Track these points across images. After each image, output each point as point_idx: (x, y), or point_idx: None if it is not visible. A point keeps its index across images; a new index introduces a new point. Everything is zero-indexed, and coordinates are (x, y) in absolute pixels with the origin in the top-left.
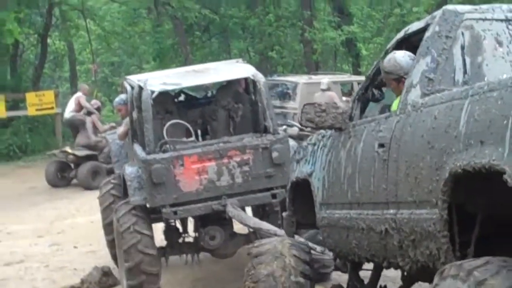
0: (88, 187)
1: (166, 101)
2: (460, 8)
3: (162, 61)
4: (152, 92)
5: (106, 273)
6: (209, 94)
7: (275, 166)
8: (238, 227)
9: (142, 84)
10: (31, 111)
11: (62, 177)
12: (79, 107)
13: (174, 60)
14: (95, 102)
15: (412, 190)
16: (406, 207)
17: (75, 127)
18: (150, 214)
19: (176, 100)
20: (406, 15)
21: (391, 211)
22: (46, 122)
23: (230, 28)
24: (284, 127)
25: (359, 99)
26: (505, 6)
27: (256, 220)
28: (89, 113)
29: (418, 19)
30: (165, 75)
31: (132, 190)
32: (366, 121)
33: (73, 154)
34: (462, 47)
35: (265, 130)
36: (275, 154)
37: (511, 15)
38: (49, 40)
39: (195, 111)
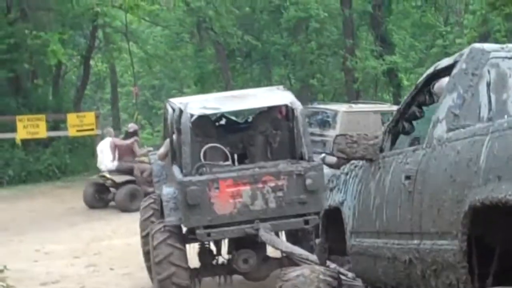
0: (126, 210)
1: (206, 125)
2: (487, 46)
3: (203, 86)
4: (192, 115)
5: None
6: (250, 119)
7: (309, 192)
8: (271, 251)
9: (182, 107)
10: (71, 132)
11: (100, 198)
12: (114, 149)
13: (215, 85)
14: (132, 126)
15: (434, 222)
16: (429, 238)
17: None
18: (189, 234)
19: (217, 123)
20: (449, 46)
21: (415, 241)
22: (86, 143)
23: (271, 55)
24: (323, 155)
25: (390, 131)
26: None
27: (289, 244)
28: (130, 135)
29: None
30: (205, 99)
31: (168, 211)
32: (395, 153)
33: (112, 180)
34: (488, 84)
35: (302, 157)
36: (308, 181)
37: None
38: (91, 62)
39: (235, 135)
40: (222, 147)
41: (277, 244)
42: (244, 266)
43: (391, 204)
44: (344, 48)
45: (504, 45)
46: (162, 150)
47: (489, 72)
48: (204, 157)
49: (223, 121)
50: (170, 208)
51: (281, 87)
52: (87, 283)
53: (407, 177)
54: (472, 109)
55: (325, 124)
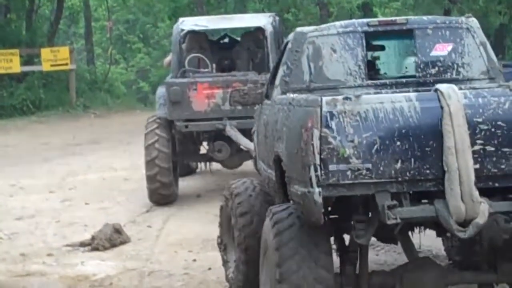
0: None
1: (201, 40)
2: (306, 29)
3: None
4: (182, 30)
5: (117, 230)
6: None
7: None
8: None
9: (179, 23)
10: (45, 67)
11: None
12: None
13: None
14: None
15: (270, 158)
16: (271, 168)
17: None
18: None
19: (221, 41)
20: None
21: (269, 170)
22: (60, 78)
23: None
24: None
25: (270, 83)
26: (337, 23)
27: (248, 141)
28: None
29: None
30: (198, 19)
31: (158, 105)
32: (266, 103)
33: None
34: (308, 57)
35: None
36: None
37: (341, 30)
38: None
39: (226, 50)
40: (202, 56)
41: (239, 140)
42: (219, 155)
43: (263, 140)
44: None
45: (318, 27)
46: (168, 58)
47: (308, 48)
48: (198, 66)
49: (226, 39)
50: (160, 104)
51: (272, 14)
52: (62, 217)
53: (264, 124)
54: (298, 76)
55: None
